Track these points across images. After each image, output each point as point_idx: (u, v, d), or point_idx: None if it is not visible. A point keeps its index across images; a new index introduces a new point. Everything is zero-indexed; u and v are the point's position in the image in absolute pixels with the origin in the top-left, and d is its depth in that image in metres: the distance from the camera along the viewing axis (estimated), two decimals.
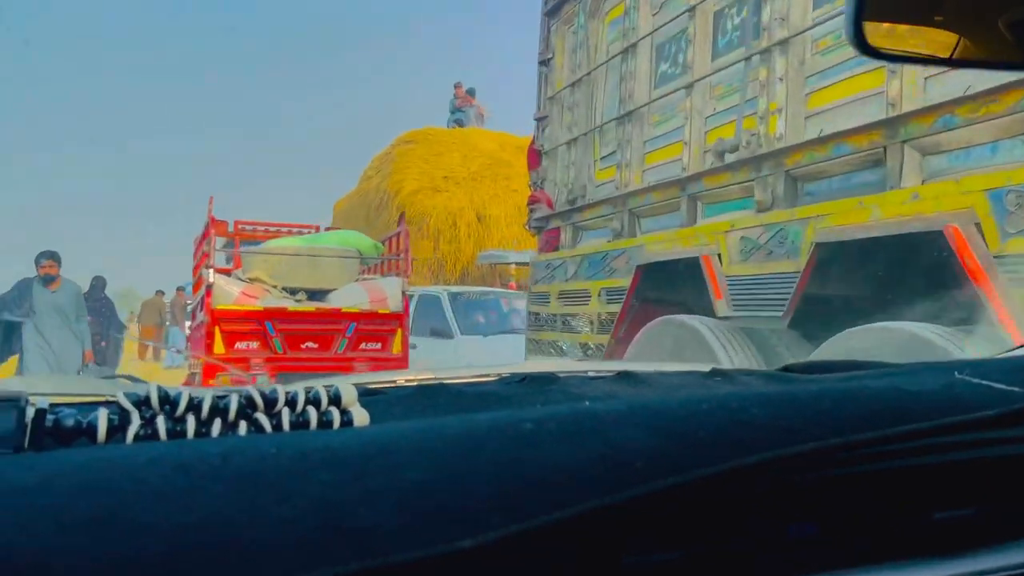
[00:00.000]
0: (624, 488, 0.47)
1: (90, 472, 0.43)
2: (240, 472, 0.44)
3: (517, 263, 11.58)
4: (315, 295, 6.47)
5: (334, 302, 6.39)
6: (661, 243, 3.99)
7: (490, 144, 12.76)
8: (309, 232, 7.82)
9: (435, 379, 1.05)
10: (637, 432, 0.52)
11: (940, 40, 0.97)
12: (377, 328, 6.37)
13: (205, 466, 0.44)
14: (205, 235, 6.55)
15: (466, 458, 0.48)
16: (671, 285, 3.94)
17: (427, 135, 12.95)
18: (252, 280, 6.37)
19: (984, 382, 0.67)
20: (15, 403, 0.57)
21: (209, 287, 6.05)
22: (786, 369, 1.10)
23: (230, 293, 6.12)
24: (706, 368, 1.10)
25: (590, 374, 1.09)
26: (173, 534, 0.39)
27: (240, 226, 7.60)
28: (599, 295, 4.47)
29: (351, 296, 6.41)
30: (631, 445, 0.50)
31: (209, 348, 5.95)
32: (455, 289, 8.52)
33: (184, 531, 0.40)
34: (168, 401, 0.60)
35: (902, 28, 1.00)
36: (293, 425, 0.62)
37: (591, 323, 4.55)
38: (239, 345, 6.06)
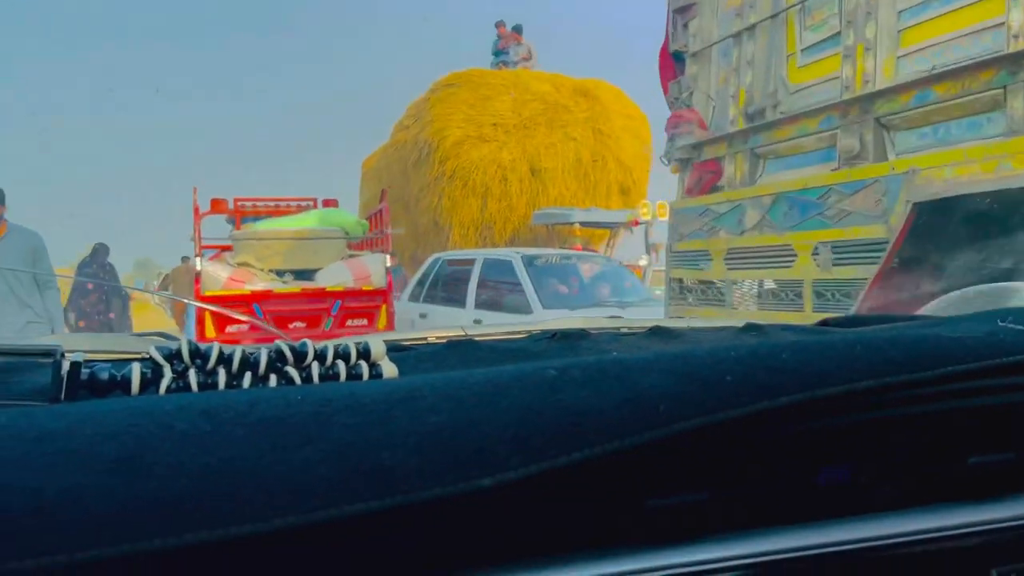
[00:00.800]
0: (647, 430, 0.49)
1: (117, 419, 0.46)
2: (264, 417, 0.47)
3: (585, 223, 9.84)
4: (301, 275, 6.76)
5: (319, 281, 6.62)
6: (956, 165, 2.57)
7: (544, 86, 11.26)
8: (307, 206, 8.02)
9: (465, 335, 1.07)
10: (662, 378, 0.53)
11: None
12: (363, 305, 6.59)
13: (231, 412, 0.47)
14: (196, 223, 6.77)
15: (489, 404, 0.50)
16: (975, 233, 2.60)
17: (472, 77, 11.53)
18: (240, 264, 6.61)
19: None
20: (51, 356, 0.62)
21: (198, 274, 6.31)
22: (823, 323, 1.10)
23: (218, 279, 6.37)
24: (740, 323, 1.09)
25: (622, 330, 1.08)
26: (196, 474, 0.42)
27: (240, 203, 7.84)
28: (813, 252, 2.77)
29: (336, 275, 6.67)
30: (655, 390, 0.52)
31: (201, 332, 6.16)
32: (530, 251, 6.80)
33: (207, 471, 0.42)
34: (199, 355, 0.64)
35: None
36: (322, 378, 0.65)
37: (789, 293, 2.89)
38: (230, 329, 6.21)
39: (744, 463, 0.56)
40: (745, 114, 3.71)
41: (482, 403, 0.50)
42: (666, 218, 10.04)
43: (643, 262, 9.35)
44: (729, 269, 3.66)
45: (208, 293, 6.16)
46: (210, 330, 6.12)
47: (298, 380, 0.65)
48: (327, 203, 8.15)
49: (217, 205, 7.43)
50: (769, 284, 3.43)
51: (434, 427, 0.47)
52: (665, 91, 4.38)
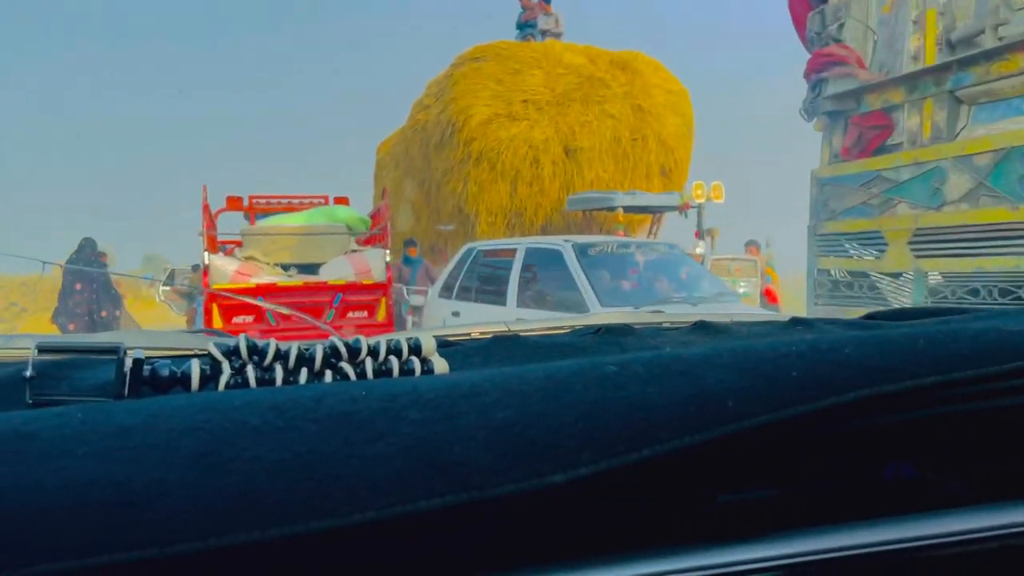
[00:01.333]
0: (716, 427, 0.50)
1: (190, 414, 0.48)
2: (332, 413, 0.49)
3: (629, 208, 8.81)
4: (306, 269, 7.25)
5: (322, 275, 7.12)
6: None
7: (579, 59, 10.70)
8: (318, 203, 8.58)
9: (508, 331, 1.12)
10: (725, 373, 0.55)
11: None
12: (363, 298, 7.07)
13: (299, 408, 0.49)
14: (205, 219, 7.26)
15: (552, 399, 0.52)
16: None
17: (499, 50, 10.94)
18: (247, 259, 7.10)
19: None
20: (114, 354, 0.64)
21: (206, 268, 6.82)
22: (870, 316, 1.10)
23: (226, 272, 6.85)
24: (785, 317, 1.13)
25: (665, 325, 1.12)
26: (274, 469, 0.44)
27: (254, 200, 8.50)
28: None
29: (338, 269, 7.17)
30: (720, 385, 0.53)
31: (209, 322, 6.65)
32: (581, 239, 5.79)
33: (283, 466, 0.44)
34: (256, 352, 0.67)
35: None
36: (376, 373, 0.68)
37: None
38: (236, 319, 6.65)
39: (810, 459, 0.57)
40: (945, 43, 2.66)
41: (546, 398, 0.52)
42: (722, 200, 8.68)
43: (700, 250, 8.31)
44: (917, 256, 2.62)
45: (216, 287, 6.57)
46: (217, 321, 6.51)
47: (353, 376, 0.68)
48: (338, 201, 8.66)
49: (232, 202, 8.21)
50: (983, 278, 2.39)
51: (501, 423, 0.49)
52: (800, 26, 3.36)
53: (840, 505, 0.57)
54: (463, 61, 11.14)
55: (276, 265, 7.18)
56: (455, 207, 10.87)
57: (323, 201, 8.60)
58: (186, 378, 0.64)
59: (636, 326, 1.03)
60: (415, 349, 0.70)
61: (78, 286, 8.76)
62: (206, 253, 6.86)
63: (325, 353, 0.67)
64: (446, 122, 10.92)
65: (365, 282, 7.09)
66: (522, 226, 10.32)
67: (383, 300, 7.15)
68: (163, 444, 0.44)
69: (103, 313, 8.92)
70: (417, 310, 7.64)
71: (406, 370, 0.69)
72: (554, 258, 6.05)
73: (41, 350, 0.65)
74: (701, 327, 1.03)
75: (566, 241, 6.20)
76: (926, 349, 0.58)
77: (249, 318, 6.70)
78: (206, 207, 7.25)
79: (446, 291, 7.07)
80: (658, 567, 0.52)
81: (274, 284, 6.90)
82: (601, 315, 1.53)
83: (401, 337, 0.72)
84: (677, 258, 6.61)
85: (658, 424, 0.49)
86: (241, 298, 5.62)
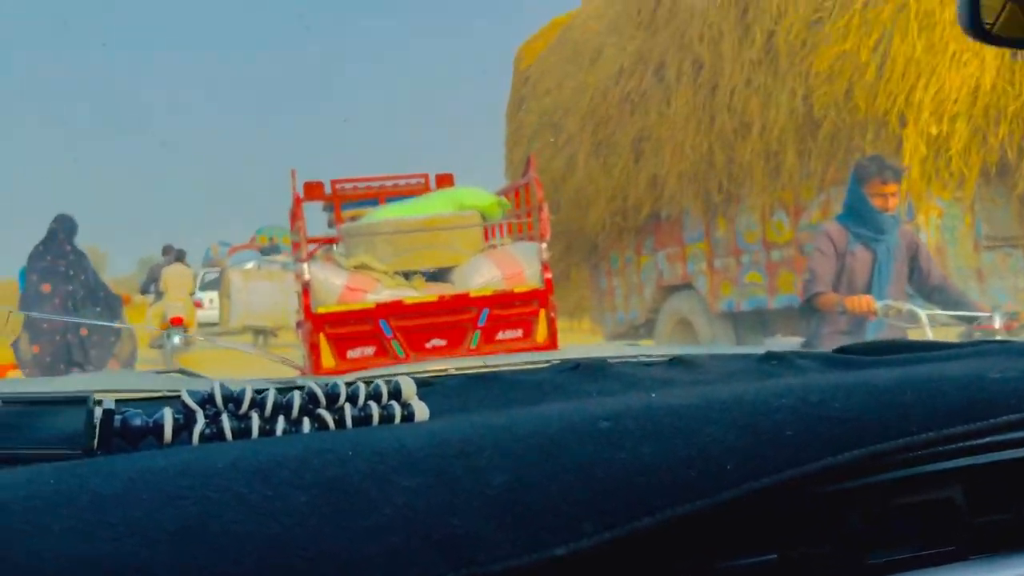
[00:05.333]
0: (716, 492, 0.50)
1: (169, 479, 0.47)
2: (320, 479, 0.48)
3: None
4: (434, 275, 5.51)
5: (459, 284, 5.34)
6: None
7: None
8: (418, 184, 6.63)
9: (484, 367, 1.13)
10: (720, 430, 0.55)
11: None
12: (516, 311, 5.35)
13: (285, 471, 0.48)
14: (294, 216, 5.53)
15: (547, 459, 0.51)
16: None
17: None
18: (357, 268, 5.33)
19: None
20: (83, 404, 0.63)
21: (306, 284, 5.13)
22: (842, 351, 1.12)
23: (333, 288, 5.15)
24: (759, 351, 1.13)
25: (641, 359, 1.13)
26: (265, 544, 0.42)
27: (338, 187, 6.52)
28: None
29: (479, 273, 5.35)
30: (718, 446, 0.54)
31: (317, 362, 5.02)
32: None
33: (275, 541, 0.43)
34: (231, 399, 0.66)
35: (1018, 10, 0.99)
36: (355, 420, 0.68)
37: None
38: (351, 353, 5.10)
39: (808, 520, 0.58)
40: None
41: (542, 459, 0.51)
42: None
43: None
44: None
45: (322, 310, 5.09)
46: (328, 359, 5.06)
47: (331, 423, 0.67)
48: (441, 179, 6.62)
49: (312, 190, 6.15)
50: None
51: (499, 489, 0.48)
52: None
53: (841, 567, 0.58)
54: None
55: (396, 274, 5.40)
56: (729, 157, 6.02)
57: (423, 181, 6.60)
58: (158, 428, 0.64)
59: (612, 360, 1.04)
60: (395, 392, 0.71)
61: (46, 288, 6.15)
62: (304, 264, 5.18)
63: (302, 400, 0.67)
64: None
65: (517, 289, 5.31)
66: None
67: (542, 313, 5.41)
68: (144, 517, 0.43)
69: (82, 331, 6.25)
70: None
71: (385, 416, 0.69)
72: None
73: (4, 401, 0.66)
74: (677, 363, 1.04)
75: None
76: (915, 402, 0.60)
77: (369, 350, 5.16)
78: (297, 199, 5.49)
79: None
80: None
81: (400, 301, 5.19)
82: (576, 348, 1.31)
83: (380, 380, 0.72)
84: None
85: (658, 489, 0.49)
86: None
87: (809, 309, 3.60)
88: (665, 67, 6.51)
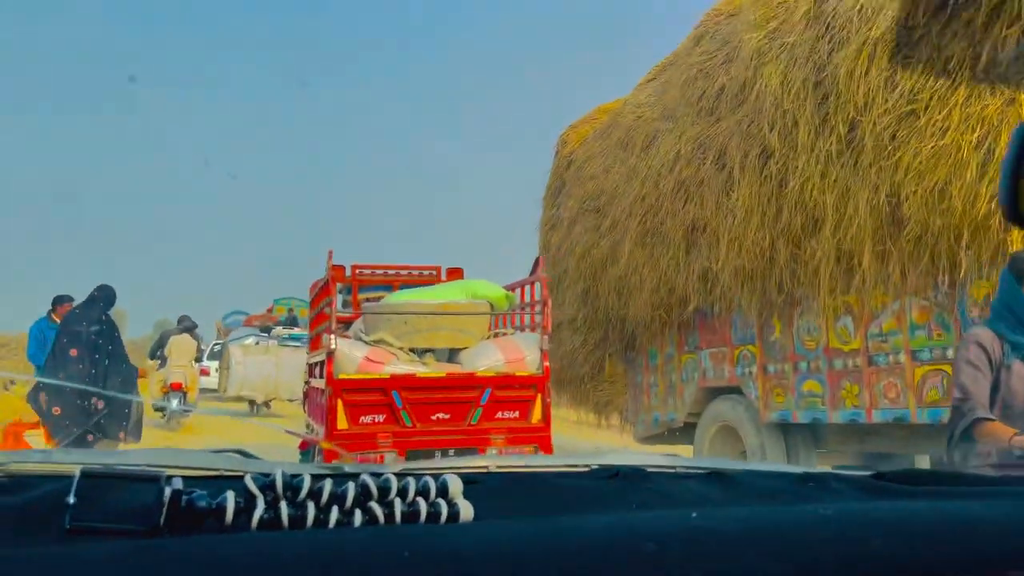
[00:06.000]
0: None
1: (240, 571, 0.50)
2: None
3: None
4: (441, 357, 6.18)
5: (467, 364, 5.98)
6: None
7: None
8: (430, 275, 7.45)
9: (525, 466, 1.18)
10: (760, 560, 0.57)
11: None
12: (515, 394, 5.95)
13: (350, 570, 0.52)
14: (324, 292, 6.28)
15: None
16: None
17: None
18: (376, 343, 5.98)
19: None
20: (155, 481, 0.67)
21: (331, 354, 5.70)
22: (879, 476, 1.09)
23: (354, 359, 5.75)
24: (796, 470, 1.14)
25: (679, 470, 1.14)
26: None
27: (358, 271, 7.39)
28: None
29: (484, 356, 5.99)
30: (759, 574, 0.56)
31: (332, 424, 5.59)
32: None
33: None
34: (290, 487, 0.70)
35: None
36: (404, 515, 0.70)
37: None
38: (364, 419, 5.65)
39: None
40: None
41: None
42: None
43: None
44: None
45: (343, 376, 5.65)
46: (343, 421, 5.58)
47: (382, 518, 0.70)
48: (452, 272, 7.46)
49: (336, 271, 6.86)
50: None
51: None
52: None
53: None
54: None
55: (411, 351, 6.05)
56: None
57: (435, 273, 7.52)
58: (221, 510, 0.67)
59: (650, 470, 1.06)
60: (442, 490, 0.73)
61: (74, 352, 6.49)
62: (332, 336, 5.74)
63: (356, 492, 0.70)
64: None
65: (518, 374, 5.95)
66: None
67: (539, 397, 6.05)
68: None
69: (98, 404, 6.46)
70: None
71: (432, 513, 0.71)
72: None
73: (84, 475, 0.67)
74: (715, 477, 1.04)
75: None
76: (954, 543, 0.61)
77: (380, 417, 5.73)
78: (333, 278, 6.12)
79: None
80: None
81: (412, 375, 5.82)
82: (615, 455, 1.10)
83: (429, 477, 0.74)
84: None
85: None
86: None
87: (967, 438, 2.85)
88: (727, 155, 6.04)
